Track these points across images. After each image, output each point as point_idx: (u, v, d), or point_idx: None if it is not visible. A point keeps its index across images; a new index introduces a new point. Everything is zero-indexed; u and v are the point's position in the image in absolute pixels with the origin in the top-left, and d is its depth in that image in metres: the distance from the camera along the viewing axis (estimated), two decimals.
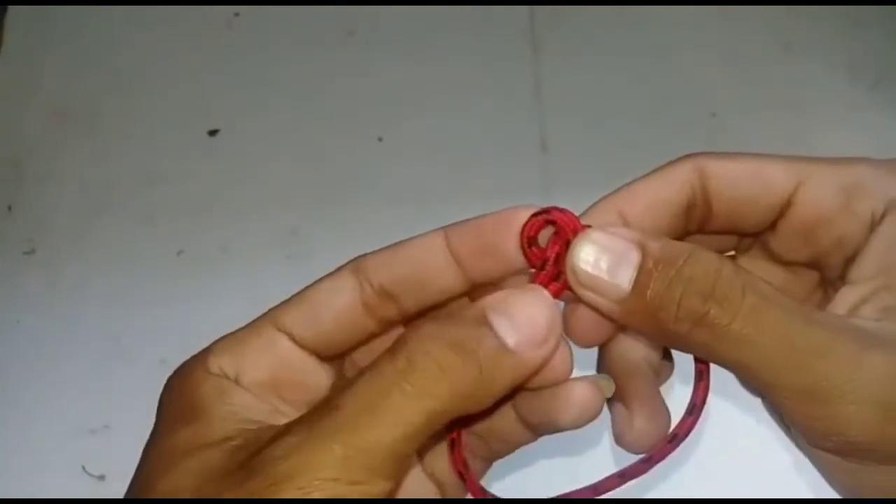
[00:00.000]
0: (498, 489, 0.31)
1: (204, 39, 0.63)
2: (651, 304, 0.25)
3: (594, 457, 0.45)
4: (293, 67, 0.62)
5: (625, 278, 0.26)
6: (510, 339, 0.25)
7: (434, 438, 0.29)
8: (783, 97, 0.60)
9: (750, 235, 0.31)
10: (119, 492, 0.28)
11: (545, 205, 0.28)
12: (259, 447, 0.26)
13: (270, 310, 0.30)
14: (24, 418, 0.51)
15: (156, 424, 0.28)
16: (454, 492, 0.32)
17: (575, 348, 0.28)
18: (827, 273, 0.29)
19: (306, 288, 0.30)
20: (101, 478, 0.49)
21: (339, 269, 0.30)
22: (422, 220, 0.32)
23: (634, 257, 0.26)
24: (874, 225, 0.26)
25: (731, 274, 0.25)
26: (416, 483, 0.32)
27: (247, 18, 0.64)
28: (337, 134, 0.60)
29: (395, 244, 0.30)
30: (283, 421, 0.27)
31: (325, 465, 0.24)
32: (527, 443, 0.31)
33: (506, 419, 0.30)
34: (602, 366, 0.30)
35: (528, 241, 0.27)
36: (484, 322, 0.26)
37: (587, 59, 0.62)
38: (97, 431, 0.50)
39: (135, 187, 0.58)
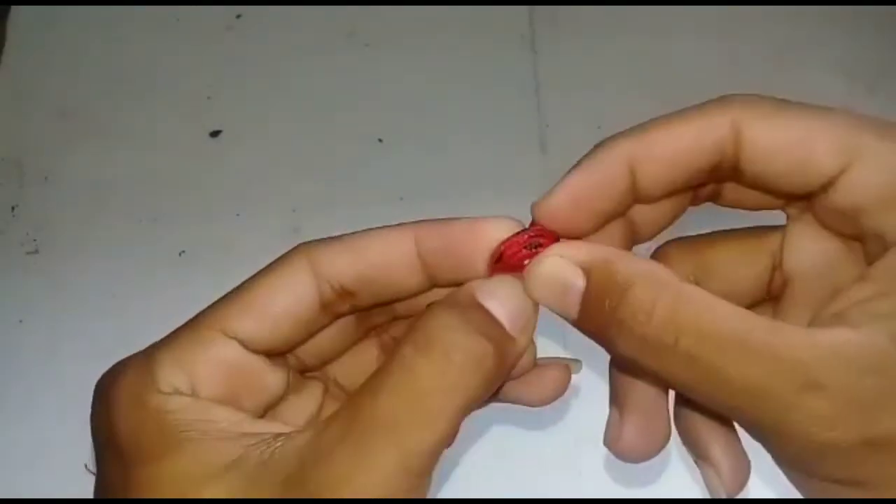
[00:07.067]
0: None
1: (207, 41, 0.64)
2: (597, 331, 0.25)
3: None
4: (294, 68, 0.62)
5: (572, 308, 0.26)
6: (506, 324, 0.26)
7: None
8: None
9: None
10: None
11: None
12: (291, 461, 0.24)
13: (212, 310, 0.29)
14: (26, 417, 0.51)
15: (116, 449, 0.26)
16: None
17: None
18: (866, 258, 0.26)
19: (252, 285, 0.29)
20: None
21: (286, 262, 0.29)
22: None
23: (580, 286, 0.25)
24: None
25: (668, 306, 0.24)
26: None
27: (248, 20, 0.64)
28: (337, 134, 0.60)
29: (354, 236, 0.28)
30: (256, 426, 0.26)
31: (384, 473, 0.24)
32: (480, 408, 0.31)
33: None
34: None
35: (499, 256, 0.27)
36: (482, 309, 0.26)
37: (587, 60, 0.62)
38: None
39: (137, 187, 0.58)
